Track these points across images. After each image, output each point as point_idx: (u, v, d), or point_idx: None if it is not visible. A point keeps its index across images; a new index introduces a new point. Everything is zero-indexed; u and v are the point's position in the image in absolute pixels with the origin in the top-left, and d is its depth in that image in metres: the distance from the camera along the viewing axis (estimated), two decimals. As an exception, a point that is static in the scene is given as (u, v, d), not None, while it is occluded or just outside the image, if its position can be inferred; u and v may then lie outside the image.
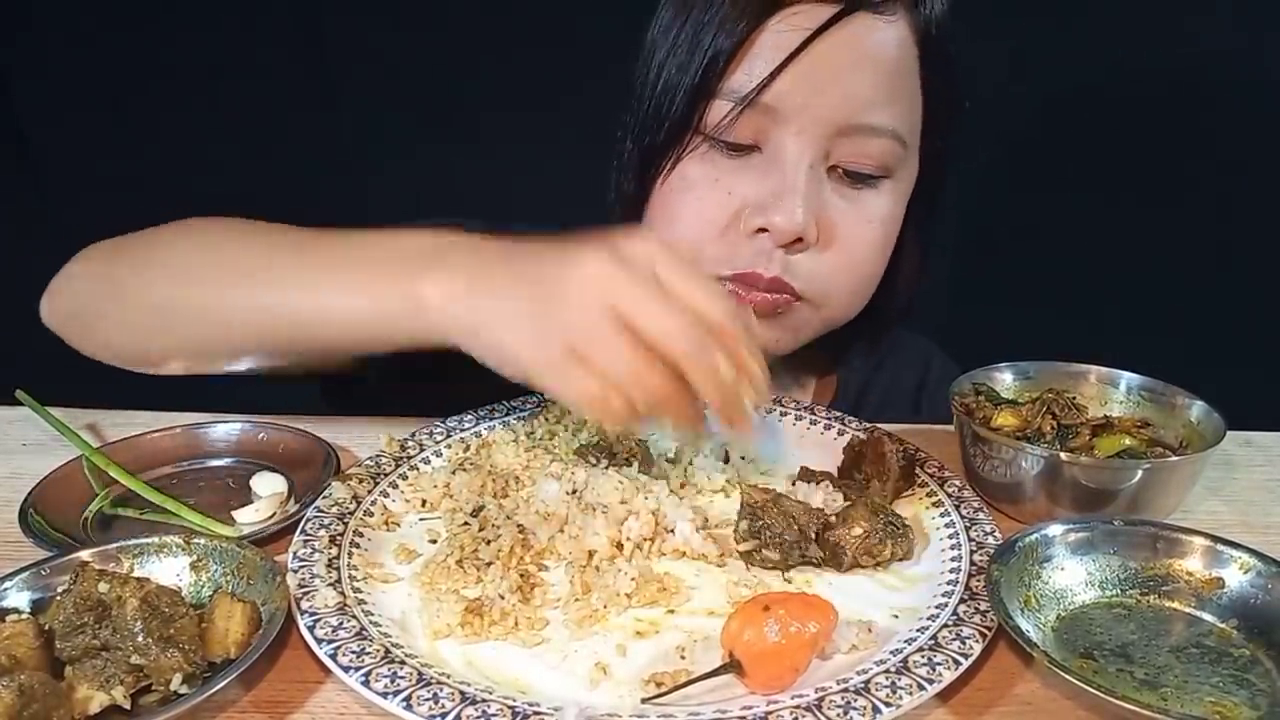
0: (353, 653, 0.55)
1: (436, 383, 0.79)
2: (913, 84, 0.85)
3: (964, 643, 0.57)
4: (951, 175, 0.96)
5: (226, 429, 0.83)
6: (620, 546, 0.68)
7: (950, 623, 0.59)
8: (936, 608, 0.61)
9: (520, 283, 0.63)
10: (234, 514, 0.73)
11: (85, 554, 0.62)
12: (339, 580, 0.63)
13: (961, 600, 0.62)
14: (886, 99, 0.83)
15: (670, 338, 0.59)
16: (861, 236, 0.88)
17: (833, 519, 0.68)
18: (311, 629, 0.57)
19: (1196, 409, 0.77)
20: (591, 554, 0.67)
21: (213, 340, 0.76)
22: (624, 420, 0.61)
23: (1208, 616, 0.62)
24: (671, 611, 0.64)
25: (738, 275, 0.86)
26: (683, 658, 0.59)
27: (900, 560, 0.68)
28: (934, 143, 0.90)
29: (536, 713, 0.51)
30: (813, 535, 0.67)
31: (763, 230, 0.84)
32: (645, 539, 0.69)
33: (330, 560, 0.65)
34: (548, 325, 0.60)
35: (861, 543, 0.66)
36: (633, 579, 0.64)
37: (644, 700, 0.54)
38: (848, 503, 0.72)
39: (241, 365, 0.78)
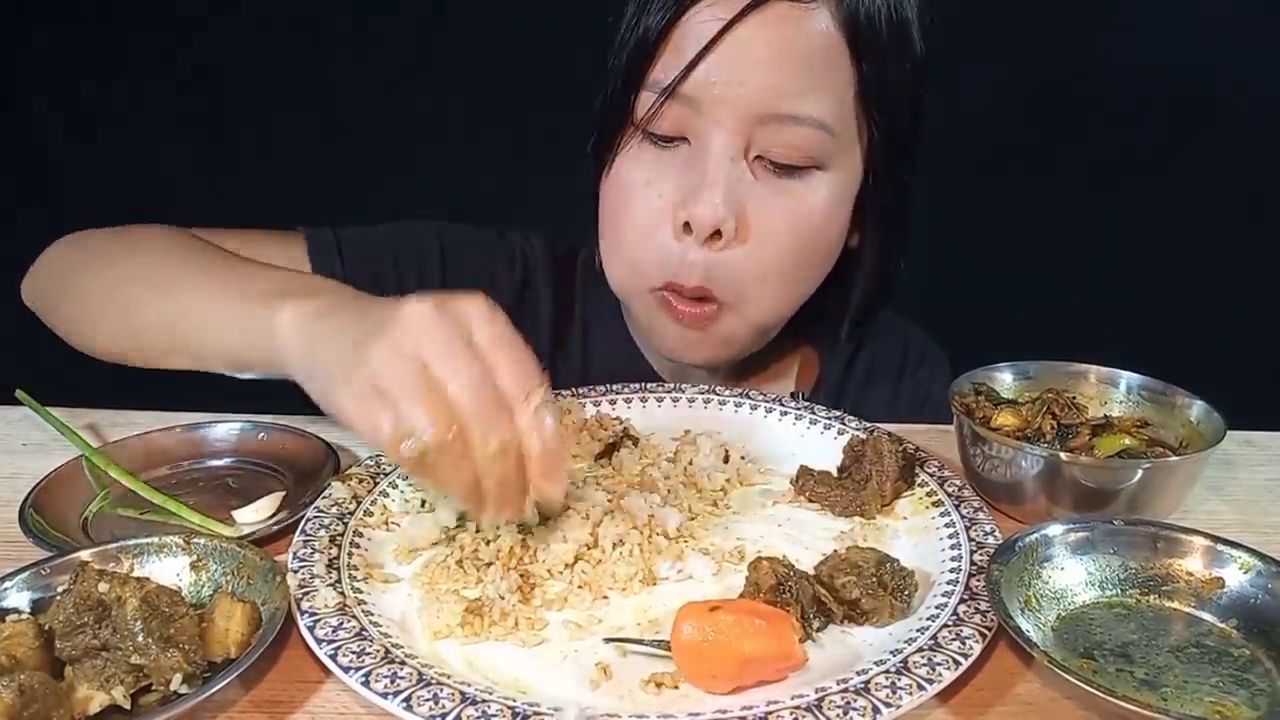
0: (353, 653, 0.55)
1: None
2: (841, 73, 0.84)
3: (964, 643, 0.57)
4: (922, 174, 0.94)
5: (226, 429, 0.83)
6: (617, 546, 0.68)
7: (950, 623, 0.59)
8: (936, 608, 0.61)
9: (356, 318, 0.64)
10: (234, 514, 0.73)
11: (85, 554, 0.62)
12: (339, 580, 0.63)
13: (961, 600, 0.62)
14: (808, 87, 0.83)
15: (457, 395, 0.58)
16: (782, 228, 0.87)
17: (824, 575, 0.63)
18: (311, 629, 0.57)
19: (1196, 409, 0.77)
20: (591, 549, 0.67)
21: (130, 337, 0.80)
22: (409, 465, 0.58)
23: (1208, 616, 0.62)
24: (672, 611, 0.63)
25: (666, 285, 0.88)
26: (683, 658, 0.59)
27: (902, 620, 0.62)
28: (881, 137, 0.88)
29: (536, 713, 0.51)
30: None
31: (689, 226, 0.85)
32: (646, 539, 0.68)
33: (330, 560, 0.65)
34: (360, 358, 0.60)
35: (851, 607, 0.61)
36: (631, 577, 0.64)
37: (606, 640, 0.58)
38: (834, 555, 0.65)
39: (166, 364, 0.79)
